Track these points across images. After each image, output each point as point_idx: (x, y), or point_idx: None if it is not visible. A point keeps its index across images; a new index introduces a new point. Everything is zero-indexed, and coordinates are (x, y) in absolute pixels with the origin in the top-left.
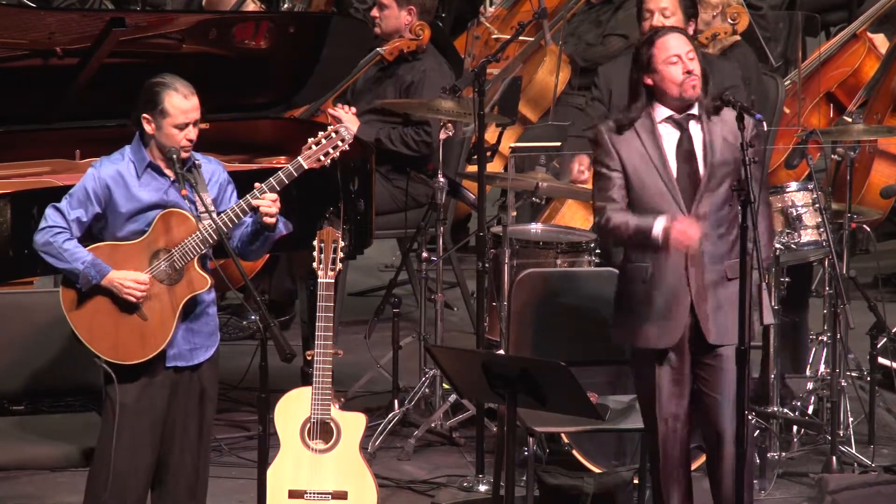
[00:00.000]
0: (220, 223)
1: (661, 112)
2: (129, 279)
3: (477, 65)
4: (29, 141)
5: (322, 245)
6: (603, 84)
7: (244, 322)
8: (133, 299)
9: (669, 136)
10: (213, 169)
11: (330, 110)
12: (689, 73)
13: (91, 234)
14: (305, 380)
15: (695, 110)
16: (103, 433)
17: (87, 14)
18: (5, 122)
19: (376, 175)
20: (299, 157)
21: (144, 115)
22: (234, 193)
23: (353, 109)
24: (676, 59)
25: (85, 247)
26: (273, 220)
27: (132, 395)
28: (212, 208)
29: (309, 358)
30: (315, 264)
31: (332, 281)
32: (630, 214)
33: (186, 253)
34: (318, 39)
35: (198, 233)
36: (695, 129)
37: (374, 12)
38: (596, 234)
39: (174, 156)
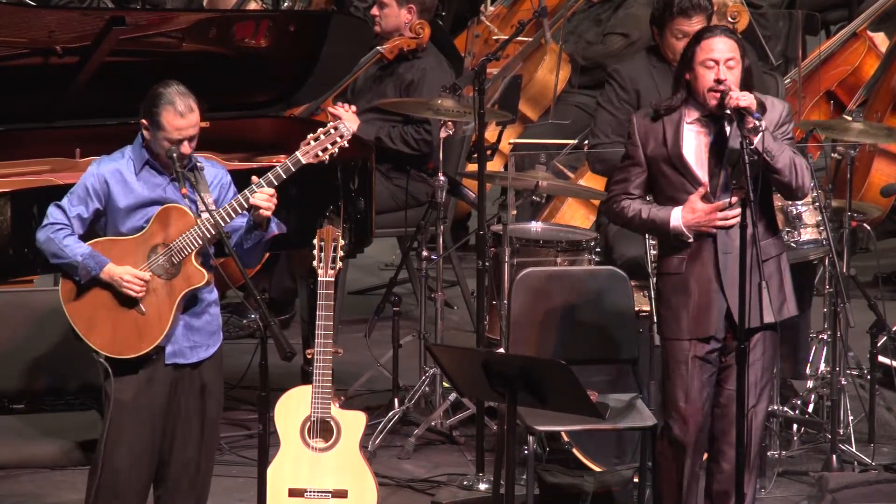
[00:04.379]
0: (218, 218)
1: (690, 113)
2: (130, 273)
3: (477, 63)
4: (29, 139)
5: (322, 244)
6: (629, 85)
7: (244, 321)
8: (132, 294)
9: (689, 143)
10: (215, 172)
11: (330, 109)
12: (718, 81)
13: (95, 231)
14: (305, 378)
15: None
16: (103, 431)
17: (87, 12)
18: (5, 120)
19: (376, 173)
20: (297, 153)
21: (143, 120)
22: (236, 196)
23: (354, 108)
24: (713, 64)
25: (87, 242)
26: (268, 213)
27: (130, 392)
28: (212, 207)
29: (309, 356)
30: (315, 263)
31: (333, 279)
32: (647, 205)
33: (184, 248)
34: (319, 38)
35: (196, 228)
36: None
37: (375, 11)
38: (603, 210)
39: (174, 154)
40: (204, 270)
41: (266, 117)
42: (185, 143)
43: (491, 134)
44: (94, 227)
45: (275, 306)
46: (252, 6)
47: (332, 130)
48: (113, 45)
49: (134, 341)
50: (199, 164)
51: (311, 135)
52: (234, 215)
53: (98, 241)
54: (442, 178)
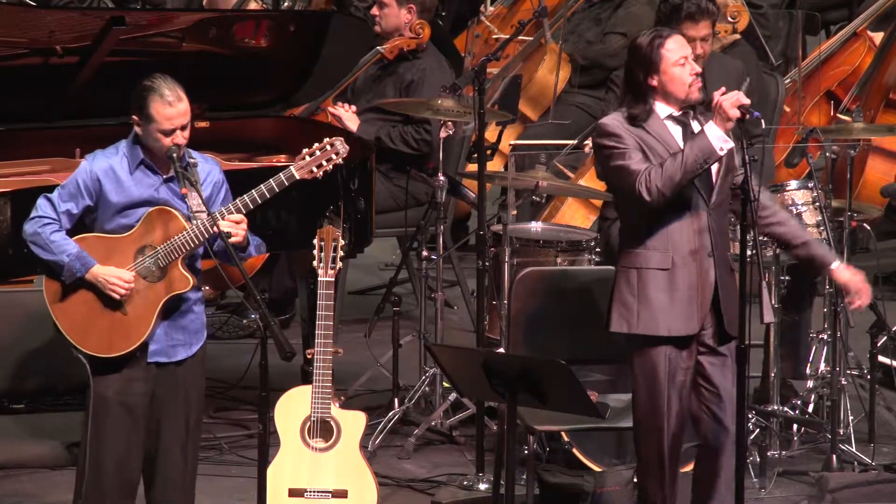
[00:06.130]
0: (206, 226)
1: (663, 110)
2: (114, 276)
3: (477, 63)
4: (29, 139)
5: (322, 244)
6: None
7: (244, 321)
8: (117, 296)
9: (675, 132)
10: (209, 168)
11: (330, 109)
12: (695, 75)
13: (83, 224)
14: (305, 378)
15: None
16: (86, 429)
17: (87, 12)
18: (5, 120)
19: (376, 173)
20: (291, 167)
21: (133, 116)
22: (228, 194)
23: (354, 108)
24: (684, 62)
25: (73, 237)
26: (238, 239)
27: (113, 390)
28: (203, 208)
29: (309, 356)
30: (315, 263)
31: (333, 279)
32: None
33: (172, 252)
34: (319, 38)
35: (185, 232)
36: (695, 125)
37: (375, 10)
38: (647, 197)
39: (173, 154)
40: (190, 276)
41: (266, 117)
42: (178, 132)
43: (491, 134)
44: (84, 220)
45: (275, 306)
46: (252, 6)
47: (328, 147)
48: (113, 45)
49: (116, 341)
50: (191, 159)
51: (307, 150)
52: (209, 233)
53: (86, 237)
54: (442, 178)
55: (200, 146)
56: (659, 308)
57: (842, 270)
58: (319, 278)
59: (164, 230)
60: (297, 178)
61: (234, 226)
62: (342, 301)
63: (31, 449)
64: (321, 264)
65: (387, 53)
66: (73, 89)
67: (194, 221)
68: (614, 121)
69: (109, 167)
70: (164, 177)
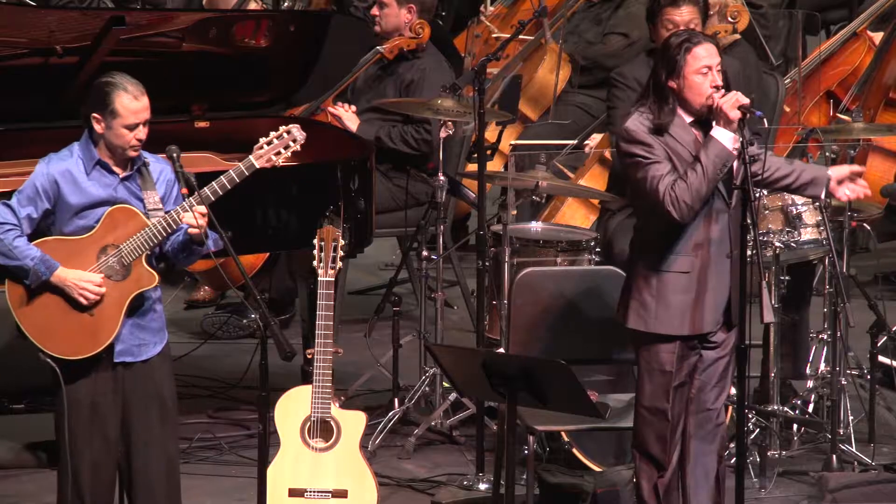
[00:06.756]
0: (168, 222)
1: (685, 115)
2: (84, 279)
3: (477, 63)
4: (29, 140)
5: (322, 244)
6: (634, 84)
7: (244, 321)
8: (85, 301)
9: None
10: (160, 168)
11: (330, 108)
12: (716, 87)
13: (40, 228)
14: (305, 378)
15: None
16: (60, 432)
17: (87, 12)
18: (5, 120)
19: (376, 173)
20: (251, 156)
21: (94, 114)
22: (180, 193)
23: (354, 108)
24: (707, 71)
25: (33, 241)
26: (198, 231)
27: (82, 391)
28: (159, 206)
29: (309, 356)
30: (315, 263)
31: (333, 279)
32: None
33: (136, 249)
34: (319, 38)
35: (148, 228)
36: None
37: (374, 10)
38: (675, 215)
39: (174, 154)
40: (153, 272)
41: (266, 117)
42: (140, 127)
43: (491, 134)
44: (41, 224)
45: (275, 306)
46: (252, 6)
47: (285, 134)
48: (113, 45)
49: (83, 343)
50: (145, 160)
51: (264, 139)
52: (173, 227)
53: (46, 240)
54: (442, 178)
55: (200, 146)
56: (677, 310)
57: (836, 168)
58: (319, 278)
59: (125, 228)
60: (257, 166)
61: (200, 218)
62: (342, 301)
63: (31, 449)
64: (321, 264)
65: (387, 53)
66: (73, 89)
67: (153, 219)
68: (640, 126)
69: (66, 170)
70: (121, 176)
